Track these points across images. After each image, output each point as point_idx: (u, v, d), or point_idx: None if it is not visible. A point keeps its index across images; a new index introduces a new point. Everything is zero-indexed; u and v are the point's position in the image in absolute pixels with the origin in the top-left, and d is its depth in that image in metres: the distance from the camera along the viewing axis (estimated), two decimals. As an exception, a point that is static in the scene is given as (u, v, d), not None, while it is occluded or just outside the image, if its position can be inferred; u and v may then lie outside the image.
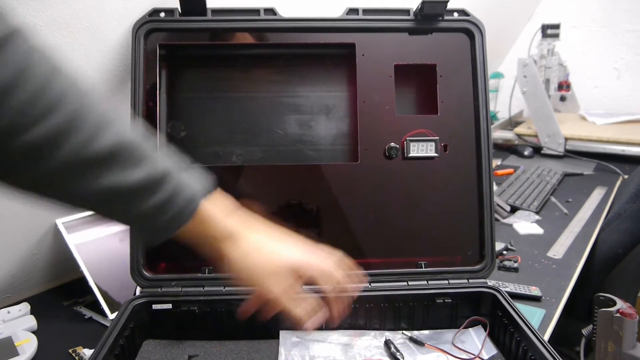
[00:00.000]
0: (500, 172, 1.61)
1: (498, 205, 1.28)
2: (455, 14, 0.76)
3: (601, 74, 2.23)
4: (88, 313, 0.84)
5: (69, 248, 0.86)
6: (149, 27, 0.72)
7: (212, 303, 0.70)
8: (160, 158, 0.47)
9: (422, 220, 0.76)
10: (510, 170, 1.62)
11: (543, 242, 1.12)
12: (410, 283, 0.73)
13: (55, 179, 0.42)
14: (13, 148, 0.39)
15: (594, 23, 2.21)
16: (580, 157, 1.73)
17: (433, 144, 0.76)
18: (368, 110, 0.76)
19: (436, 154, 0.76)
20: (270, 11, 0.74)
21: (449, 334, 0.72)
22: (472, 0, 1.12)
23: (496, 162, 1.75)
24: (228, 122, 0.77)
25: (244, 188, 0.76)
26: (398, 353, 0.67)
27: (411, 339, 0.70)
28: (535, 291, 0.88)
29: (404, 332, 0.72)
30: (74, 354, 0.74)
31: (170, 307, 0.69)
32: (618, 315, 0.83)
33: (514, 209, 1.30)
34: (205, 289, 0.71)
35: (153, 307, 0.69)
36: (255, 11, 0.73)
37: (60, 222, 0.88)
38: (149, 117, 0.73)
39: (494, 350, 0.68)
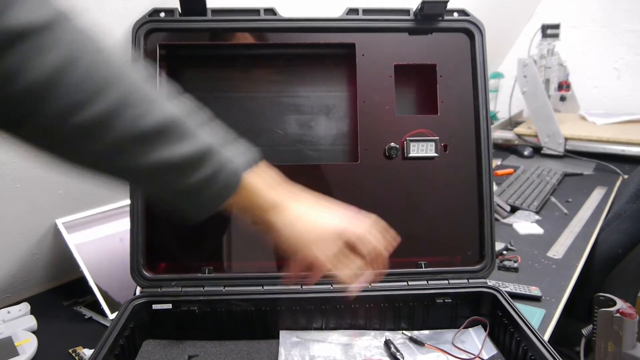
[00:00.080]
0: (500, 172, 1.61)
1: (498, 205, 1.28)
2: (455, 14, 0.75)
3: (601, 74, 2.23)
4: (88, 313, 0.84)
5: (69, 248, 0.86)
6: (149, 27, 0.72)
7: (212, 303, 0.70)
8: (204, 133, 0.48)
9: (422, 220, 0.76)
10: (510, 170, 1.62)
11: (543, 242, 1.12)
12: (410, 283, 0.73)
13: (108, 155, 0.43)
14: (70, 127, 0.40)
15: (594, 23, 2.21)
16: (580, 157, 1.74)
17: (433, 144, 0.76)
18: (368, 110, 0.76)
19: (436, 154, 0.76)
20: (270, 11, 0.74)
21: (449, 334, 0.72)
22: (472, 0, 1.12)
23: (496, 162, 1.75)
24: (228, 122, 0.77)
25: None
26: (398, 353, 0.67)
27: (411, 339, 0.70)
28: (535, 291, 0.88)
29: (404, 332, 0.72)
30: (74, 354, 0.74)
31: (170, 307, 0.69)
32: (618, 315, 0.83)
33: (514, 209, 1.30)
34: (205, 289, 0.71)
35: (153, 307, 0.69)
36: (255, 11, 0.73)
37: (60, 222, 0.88)
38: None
39: (494, 350, 0.68)
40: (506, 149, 1.91)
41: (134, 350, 0.68)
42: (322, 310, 0.72)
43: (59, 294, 0.92)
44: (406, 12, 0.76)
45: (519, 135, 1.90)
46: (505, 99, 2.06)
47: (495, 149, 1.88)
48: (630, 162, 1.67)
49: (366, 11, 0.75)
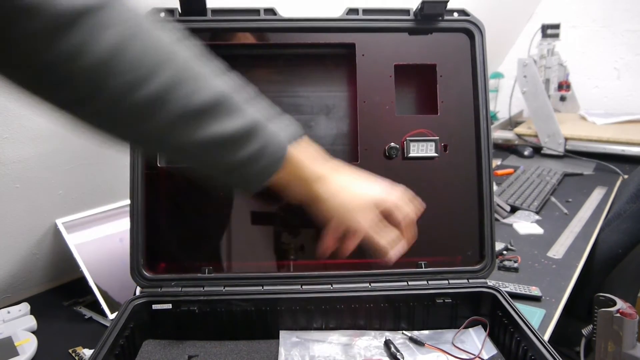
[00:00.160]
0: (500, 172, 1.61)
1: (498, 205, 1.28)
2: (455, 14, 0.75)
3: (601, 74, 2.23)
4: (88, 313, 0.84)
5: (69, 248, 0.86)
6: (149, 27, 0.72)
7: (212, 303, 0.70)
8: (251, 108, 0.49)
9: (422, 220, 0.76)
10: (510, 170, 1.62)
11: (543, 242, 1.12)
12: (410, 283, 0.73)
13: (162, 133, 0.45)
14: (129, 105, 0.41)
15: (594, 23, 2.22)
16: (580, 157, 1.74)
17: (433, 144, 0.76)
18: (368, 110, 0.76)
19: (436, 154, 0.76)
20: (270, 11, 0.74)
21: (449, 334, 0.72)
22: (472, 0, 1.12)
23: (496, 162, 1.75)
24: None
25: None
26: (398, 353, 0.67)
27: (411, 339, 0.70)
28: (535, 291, 0.88)
29: (404, 332, 0.72)
30: (74, 354, 0.74)
31: (170, 307, 0.69)
32: (618, 315, 0.83)
33: (514, 209, 1.30)
34: (205, 289, 0.71)
35: (153, 307, 0.69)
36: (255, 11, 0.73)
37: (60, 222, 0.88)
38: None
39: (494, 350, 0.68)
40: (506, 149, 1.91)
41: (134, 350, 0.68)
42: (322, 310, 0.72)
43: (59, 294, 0.92)
44: (406, 12, 0.76)
45: (519, 135, 1.90)
46: (505, 99, 2.06)
47: (495, 149, 1.88)
48: (630, 162, 1.67)
49: (366, 11, 0.75)
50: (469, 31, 0.75)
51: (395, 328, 0.73)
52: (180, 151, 0.48)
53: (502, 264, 1.00)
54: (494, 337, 0.70)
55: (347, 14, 0.75)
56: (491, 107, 1.77)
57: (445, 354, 0.67)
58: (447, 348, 0.68)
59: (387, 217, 0.59)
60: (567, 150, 1.77)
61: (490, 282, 0.74)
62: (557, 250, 1.07)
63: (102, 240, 0.90)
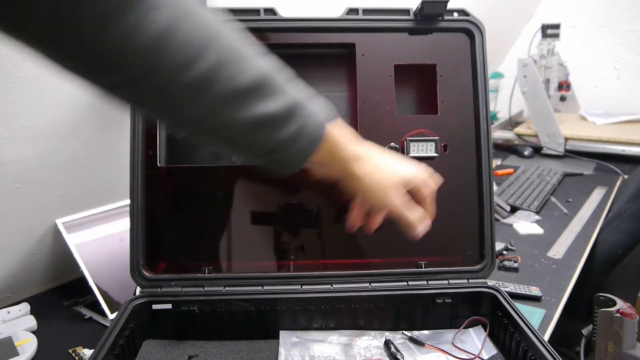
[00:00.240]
0: (500, 172, 1.61)
1: (498, 205, 1.28)
2: (455, 14, 0.75)
3: (601, 74, 2.23)
4: (88, 313, 0.84)
5: (69, 248, 0.86)
6: (149, 27, 0.72)
7: (212, 303, 0.70)
8: (291, 88, 0.50)
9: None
10: (510, 170, 1.62)
11: (543, 242, 1.12)
12: (410, 283, 0.73)
13: (209, 112, 0.46)
14: (179, 84, 0.42)
15: (594, 23, 2.22)
16: (580, 157, 1.74)
17: (433, 144, 0.76)
18: (368, 110, 0.76)
19: (436, 154, 0.76)
20: (270, 11, 0.74)
21: (449, 334, 0.72)
22: (472, 0, 1.12)
23: (496, 162, 1.75)
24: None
25: (244, 188, 0.76)
26: (398, 353, 0.67)
27: (411, 339, 0.70)
28: (535, 291, 0.88)
29: (404, 332, 0.72)
30: (73, 354, 0.74)
31: (170, 307, 0.69)
32: (618, 315, 0.83)
33: (514, 209, 1.30)
34: (205, 289, 0.71)
35: (153, 307, 0.69)
36: (255, 11, 0.73)
37: (60, 222, 0.88)
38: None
39: (494, 350, 0.68)
40: (506, 149, 1.91)
41: (134, 350, 0.68)
42: (322, 310, 0.72)
43: (59, 294, 0.92)
44: (406, 12, 0.76)
45: (519, 135, 1.90)
46: (505, 99, 2.06)
47: (495, 149, 1.88)
48: (630, 162, 1.67)
49: (366, 11, 0.75)
50: (469, 31, 0.75)
51: (395, 328, 0.73)
52: (223, 132, 0.48)
53: (502, 264, 1.00)
54: (494, 337, 0.70)
55: (347, 14, 0.75)
56: (491, 107, 1.77)
57: (445, 354, 0.67)
58: (447, 348, 0.68)
59: (414, 193, 0.62)
60: (567, 150, 1.77)
61: (490, 282, 0.74)
62: (557, 250, 1.07)
63: (102, 240, 0.90)
